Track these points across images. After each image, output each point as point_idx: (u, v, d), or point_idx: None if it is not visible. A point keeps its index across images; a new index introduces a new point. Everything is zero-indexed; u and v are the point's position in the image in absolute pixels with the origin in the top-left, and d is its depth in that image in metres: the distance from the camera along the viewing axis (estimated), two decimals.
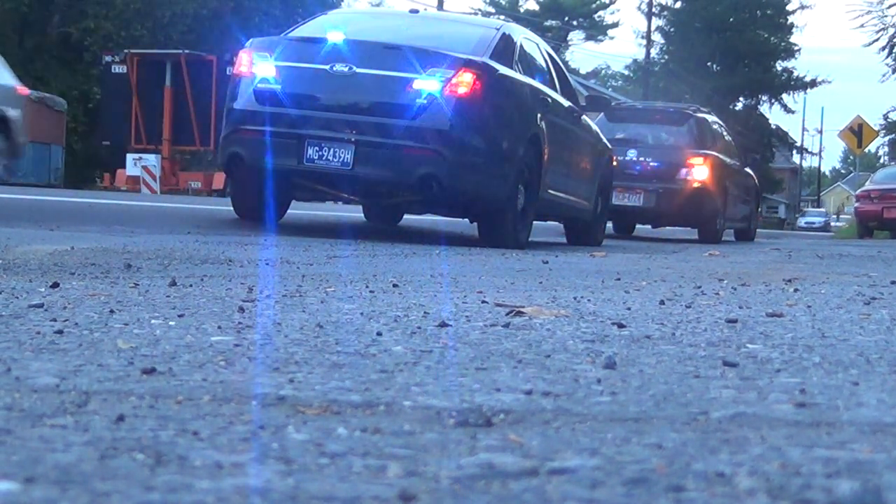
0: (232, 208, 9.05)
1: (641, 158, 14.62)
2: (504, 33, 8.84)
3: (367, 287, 3.80)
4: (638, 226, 16.54)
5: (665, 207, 14.53)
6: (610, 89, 59.20)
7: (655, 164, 14.61)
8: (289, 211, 9.40)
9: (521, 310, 3.03)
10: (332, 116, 7.76)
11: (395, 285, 3.93)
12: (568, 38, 64.46)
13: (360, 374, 1.92)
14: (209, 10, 35.27)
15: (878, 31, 39.33)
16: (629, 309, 3.33)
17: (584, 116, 10.40)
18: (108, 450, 1.31)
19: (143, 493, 1.13)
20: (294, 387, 1.78)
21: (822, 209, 76.52)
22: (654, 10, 53.46)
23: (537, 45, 9.83)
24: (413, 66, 7.76)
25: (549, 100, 9.12)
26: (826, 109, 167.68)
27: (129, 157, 26.67)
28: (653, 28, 53.20)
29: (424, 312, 2.98)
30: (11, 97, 13.98)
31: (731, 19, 54.11)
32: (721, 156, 15.51)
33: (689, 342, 2.54)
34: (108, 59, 28.19)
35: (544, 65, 9.73)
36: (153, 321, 2.56)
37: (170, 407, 1.59)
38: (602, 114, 14.31)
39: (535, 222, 9.03)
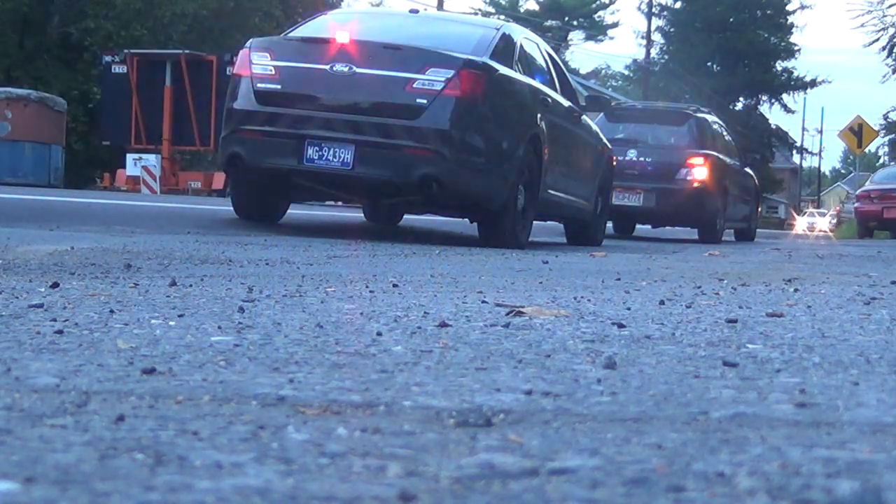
0: (232, 208, 9.05)
1: (641, 158, 14.62)
2: (504, 33, 8.84)
3: (367, 287, 3.80)
4: (638, 226, 16.54)
5: (665, 207, 14.53)
6: (610, 89, 59.22)
7: (655, 164, 14.62)
8: (289, 211, 9.40)
9: (521, 310, 3.03)
10: (332, 116, 7.76)
11: (395, 285, 3.93)
12: (568, 38, 64.45)
13: (360, 374, 1.92)
14: (209, 10, 35.27)
15: (878, 31, 39.40)
16: (629, 309, 3.33)
17: (584, 116, 10.40)
18: (108, 450, 1.31)
19: (143, 493, 1.13)
20: (294, 387, 1.78)
21: (823, 209, 76.52)
22: (654, 10, 53.48)
23: (537, 45, 9.83)
24: (413, 66, 7.77)
25: (549, 100, 9.12)
26: (826, 109, 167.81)
27: (129, 157, 26.66)
28: (653, 28, 53.23)
29: (424, 312, 2.98)
30: None
31: (731, 19, 54.14)
32: (721, 156, 15.51)
33: (689, 342, 2.54)
34: (108, 59, 28.17)
35: (544, 65, 9.73)
36: (153, 321, 2.55)
37: (170, 407, 1.59)
38: (602, 114, 14.31)
39: (535, 222, 9.03)
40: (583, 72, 63.70)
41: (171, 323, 2.53)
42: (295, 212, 10.07)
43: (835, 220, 46.51)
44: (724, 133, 16.77)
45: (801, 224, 47.44)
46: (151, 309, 2.80)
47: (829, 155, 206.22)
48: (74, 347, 2.11)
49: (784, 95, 56.38)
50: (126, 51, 28.29)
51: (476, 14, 53.51)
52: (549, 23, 58.87)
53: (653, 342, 2.51)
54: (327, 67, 7.81)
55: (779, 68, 56.26)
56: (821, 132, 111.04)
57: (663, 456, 1.38)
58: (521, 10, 62.07)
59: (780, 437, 1.51)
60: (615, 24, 71.81)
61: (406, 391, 1.78)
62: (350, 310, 2.99)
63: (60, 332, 2.30)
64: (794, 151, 67.54)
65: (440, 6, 36.84)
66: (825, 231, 38.35)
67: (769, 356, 2.34)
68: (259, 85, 7.89)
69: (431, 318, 2.84)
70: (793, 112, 57.61)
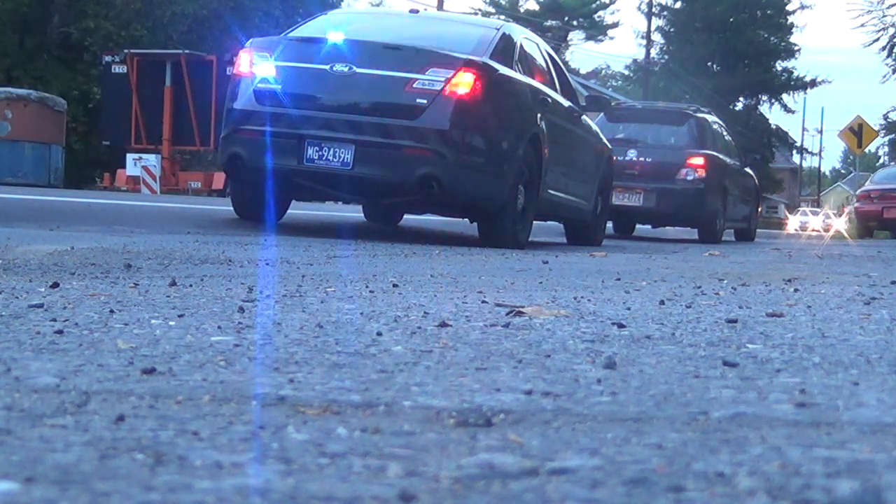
0: (232, 208, 9.05)
1: (641, 158, 14.63)
2: (504, 33, 8.84)
3: (367, 287, 3.79)
4: (638, 226, 16.54)
5: (665, 207, 14.53)
6: (610, 89, 59.23)
7: (655, 164, 14.62)
8: (289, 211, 9.40)
9: (521, 310, 3.03)
10: (332, 116, 7.76)
11: (395, 285, 3.93)
12: (568, 38, 64.45)
13: (360, 374, 1.92)
14: (209, 10, 35.28)
15: (878, 31, 39.46)
16: (629, 309, 3.33)
17: (584, 116, 10.40)
18: (108, 450, 1.31)
19: (143, 493, 1.13)
20: (294, 387, 1.78)
21: (816, 208, 76.43)
22: (654, 10, 53.56)
23: (537, 45, 9.83)
24: (413, 66, 7.76)
25: (549, 100, 9.12)
26: (826, 109, 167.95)
27: (129, 157, 26.67)
28: (653, 28, 53.31)
29: (424, 312, 2.98)
30: None
31: (731, 19, 54.21)
32: (721, 156, 15.51)
33: (689, 342, 2.54)
34: (108, 59, 28.19)
35: (544, 65, 9.73)
36: (153, 321, 2.55)
37: (170, 407, 1.59)
38: (602, 114, 14.31)
39: (535, 222, 9.03)
40: (583, 72, 63.71)
41: (171, 323, 2.53)
42: (295, 212, 10.07)
43: (841, 220, 46.03)
44: (724, 133, 16.78)
45: (793, 223, 47.16)
46: (151, 309, 2.80)
47: (829, 155, 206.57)
48: (74, 347, 2.11)
49: (784, 95, 56.46)
50: (126, 51, 28.30)
51: (476, 14, 53.51)
52: (549, 23, 58.87)
53: (653, 342, 2.51)
54: (327, 67, 7.81)
55: (779, 68, 56.33)
56: (821, 132, 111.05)
57: (663, 456, 1.38)
58: (521, 10, 62.08)
59: (780, 437, 1.51)
60: (615, 24, 71.87)
61: (406, 391, 1.78)
62: (350, 310, 2.99)
63: (60, 332, 2.30)
64: (794, 151, 67.58)
65: (440, 6, 36.85)
66: (818, 231, 38.06)
67: (769, 356, 2.34)
68: (259, 85, 7.89)
69: (431, 318, 2.84)
70: (793, 112, 57.72)
